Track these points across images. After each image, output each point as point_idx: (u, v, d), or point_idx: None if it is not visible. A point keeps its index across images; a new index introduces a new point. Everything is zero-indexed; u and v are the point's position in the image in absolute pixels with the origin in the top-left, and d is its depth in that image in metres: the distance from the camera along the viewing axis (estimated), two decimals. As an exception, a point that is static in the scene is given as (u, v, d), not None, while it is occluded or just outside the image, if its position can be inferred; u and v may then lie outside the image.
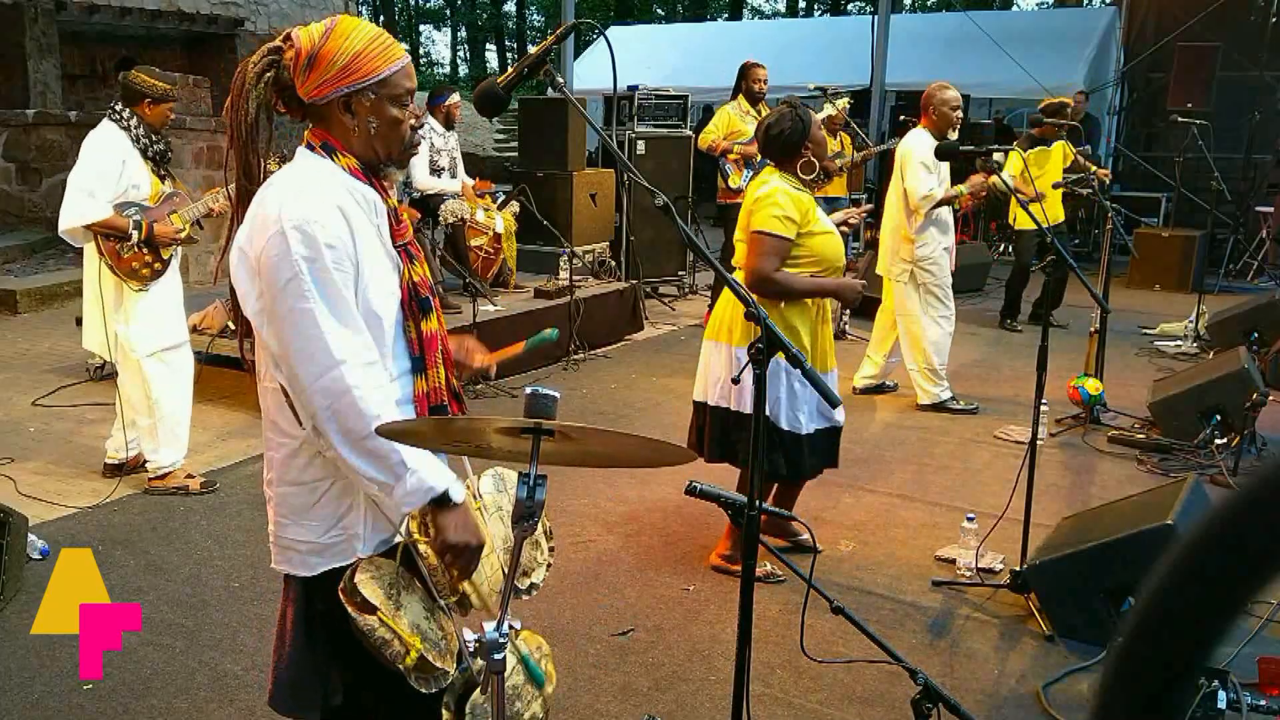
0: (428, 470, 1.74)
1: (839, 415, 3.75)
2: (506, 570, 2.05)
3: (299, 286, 1.69)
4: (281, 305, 1.70)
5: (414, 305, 1.86)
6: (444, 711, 1.82)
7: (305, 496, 1.85)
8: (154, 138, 4.33)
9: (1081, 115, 9.83)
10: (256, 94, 1.82)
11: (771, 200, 3.58)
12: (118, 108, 4.28)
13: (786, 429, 3.64)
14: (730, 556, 3.75)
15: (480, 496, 2.04)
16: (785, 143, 3.67)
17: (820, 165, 3.69)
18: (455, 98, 7.20)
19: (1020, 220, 7.62)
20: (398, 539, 1.86)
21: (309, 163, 1.82)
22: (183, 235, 4.34)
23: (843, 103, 7.90)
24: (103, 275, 4.25)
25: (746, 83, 7.72)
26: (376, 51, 1.78)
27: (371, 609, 1.72)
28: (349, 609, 1.73)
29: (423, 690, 1.78)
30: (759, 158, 7.62)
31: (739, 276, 3.70)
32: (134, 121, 4.26)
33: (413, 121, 1.86)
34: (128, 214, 4.18)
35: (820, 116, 8.03)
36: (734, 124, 7.67)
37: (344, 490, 1.84)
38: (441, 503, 1.77)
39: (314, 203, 1.73)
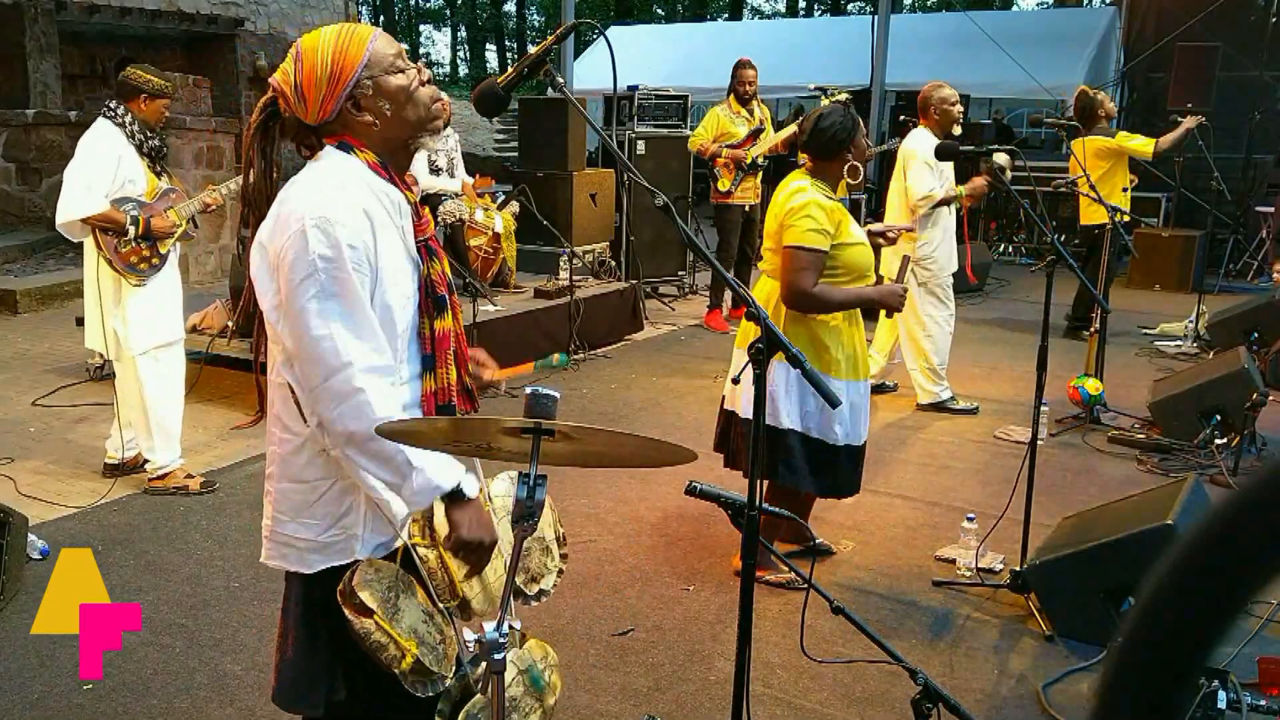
0: (434, 468, 1.75)
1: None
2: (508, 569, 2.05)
3: (314, 286, 1.69)
4: (296, 303, 1.71)
5: (429, 303, 1.86)
6: (437, 719, 1.83)
7: (305, 494, 1.85)
8: (149, 134, 4.33)
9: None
10: (261, 143, 1.86)
11: (805, 214, 3.46)
12: (112, 105, 4.29)
13: (830, 441, 3.54)
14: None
15: (491, 499, 2.03)
16: (830, 140, 3.54)
17: (863, 172, 3.55)
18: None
19: (1084, 215, 7.27)
20: (398, 542, 1.86)
21: (334, 161, 1.81)
22: (179, 230, 4.36)
23: (843, 95, 7.88)
24: (101, 271, 4.26)
25: (734, 83, 7.68)
26: (346, 45, 1.78)
27: (369, 612, 1.73)
28: (346, 612, 1.74)
29: (418, 694, 1.80)
30: (748, 160, 7.60)
31: (769, 285, 3.64)
32: (129, 118, 4.27)
33: (420, 78, 1.84)
34: (125, 209, 4.20)
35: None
36: (723, 126, 7.63)
37: (344, 491, 1.84)
38: (454, 498, 1.77)
39: (338, 202, 1.72)
